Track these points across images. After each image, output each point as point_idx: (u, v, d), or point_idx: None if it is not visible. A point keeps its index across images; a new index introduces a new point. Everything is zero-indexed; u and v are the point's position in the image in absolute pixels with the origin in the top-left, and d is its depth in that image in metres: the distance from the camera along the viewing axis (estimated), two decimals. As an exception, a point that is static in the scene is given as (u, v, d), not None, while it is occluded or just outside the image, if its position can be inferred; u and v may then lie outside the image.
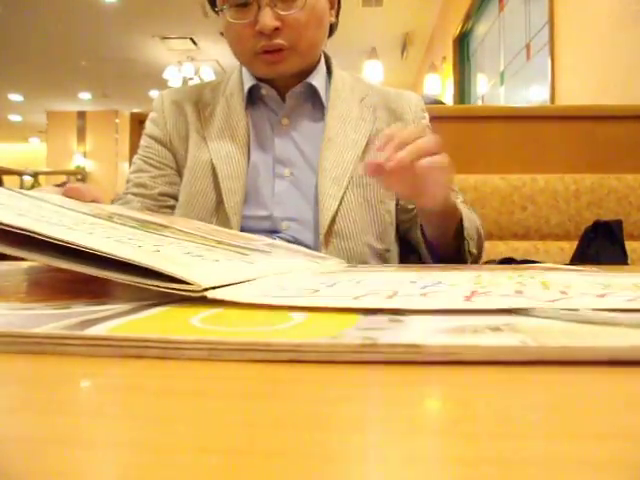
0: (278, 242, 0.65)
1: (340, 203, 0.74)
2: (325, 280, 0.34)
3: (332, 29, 0.82)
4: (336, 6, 0.81)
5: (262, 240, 0.58)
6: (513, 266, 0.66)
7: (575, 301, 0.24)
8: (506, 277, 0.37)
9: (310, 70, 0.80)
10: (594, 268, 0.48)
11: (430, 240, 0.73)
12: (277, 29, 0.71)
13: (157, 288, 0.25)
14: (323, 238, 0.73)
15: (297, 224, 0.75)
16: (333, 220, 0.73)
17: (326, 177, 0.74)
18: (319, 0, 0.74)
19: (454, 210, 0.69)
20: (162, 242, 0.37)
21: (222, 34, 0.78)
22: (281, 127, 0.79)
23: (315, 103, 0.80)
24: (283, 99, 0.79)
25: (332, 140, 0.76)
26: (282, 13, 0.71)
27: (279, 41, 0.72)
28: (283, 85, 0.78)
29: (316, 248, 0.74)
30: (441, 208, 0.65)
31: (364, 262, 0.75)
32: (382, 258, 0.77)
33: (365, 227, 0.75)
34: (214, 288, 0.26)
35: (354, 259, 0.74)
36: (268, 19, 0.70)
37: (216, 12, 0.75)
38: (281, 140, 0.78)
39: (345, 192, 0.74)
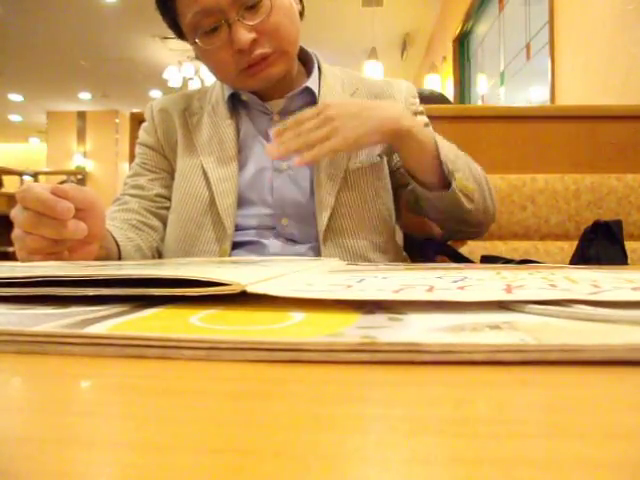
0: (274, 258, 0.67)
1: (336, 200, 0.74)
2: (350, 277, 0.34)
3: (300, 15, 0.80)
4: None
5: (255, 259, 0.59)
6: (518, 265, 0.66)
7: (613, 293, 0.24)
8: (527, 273, 0.37)
9: (293, 69, 0.80)
10: (603, 267, 0.48)
11: (420, 183, 0.73)
12: (254, 40, 0.70)
13: (200, 293, 0.25)
14: (322, 236, 0.73)
15: (295, 220, 0.75)
16: (331, 217, 0.73)
17: (322, 174, 0.75)
18: None
19: (409, 134, 0.68)
20: (177, 264, 0.39)
21: (198, 58, 0.78)
22: (273, 123, 0.79)
23: (308, 100, 0.80)
24: (263, 98, 0.79)
25: None
26: (253, 23, 0.69)
27: (261, 50, 0.71)
28: (270, 86, 0.78)
29: (314, 244, 0.74)
30: (380, 138, 0.68)
31: (364, 256, 0.75)
32: (382, 250, 0.77)
33: (363, 222, 0.75)
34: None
35: (354, 254, 0.74)
36: (243, 35, 0.68)
37: (192, 44, 0.74)
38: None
39: (340, 189, 0.74)
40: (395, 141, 0.69)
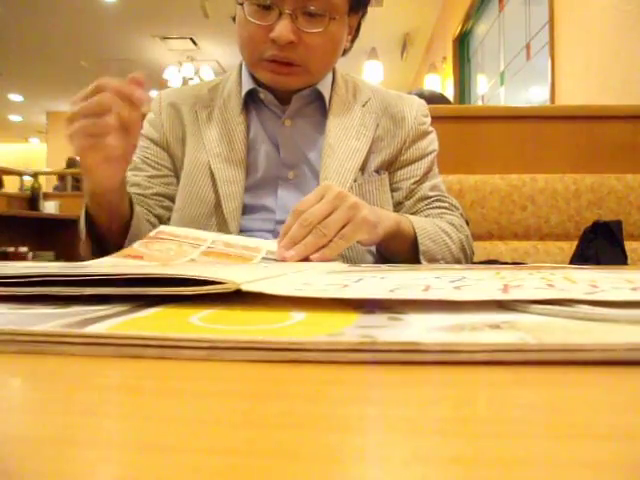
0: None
1: None
2: (348, 277, 0.34)
3: (344, 52, 0.80)
4: (354, 33, 0.80)
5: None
6: (519, 266, 0.66)
7: (611, 294, 0.24)
8: (527, 273, 0.37)
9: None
10: (603, 267, 0.48)
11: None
12: (292, 43, 0.69)
13: (196, 292, 0.25)
14: None
15: None
16: None
17: None
18: (340, 26, 0.73)
19: (392, 237, 0.66)
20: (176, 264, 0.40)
21: (233, 19, 0.76)
22: (284, 128, 0.78)
23: (318, 106, 0.79)
24: (281, 101, 0.78)
25: (333, 148, 0.76)
26: (301, 29, 0.69)
27: (290, 55, 0.70)
28: (283, 91, 0.77)
29: None
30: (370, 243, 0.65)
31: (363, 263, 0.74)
32: (374, 256, 0.78)
33: None
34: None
35: (353, 262, 0.74)
36: (285, 31, 0.67)
37: (238, 3, 0.72)
38: (285, 142, 0.78)
39: None
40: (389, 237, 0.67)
